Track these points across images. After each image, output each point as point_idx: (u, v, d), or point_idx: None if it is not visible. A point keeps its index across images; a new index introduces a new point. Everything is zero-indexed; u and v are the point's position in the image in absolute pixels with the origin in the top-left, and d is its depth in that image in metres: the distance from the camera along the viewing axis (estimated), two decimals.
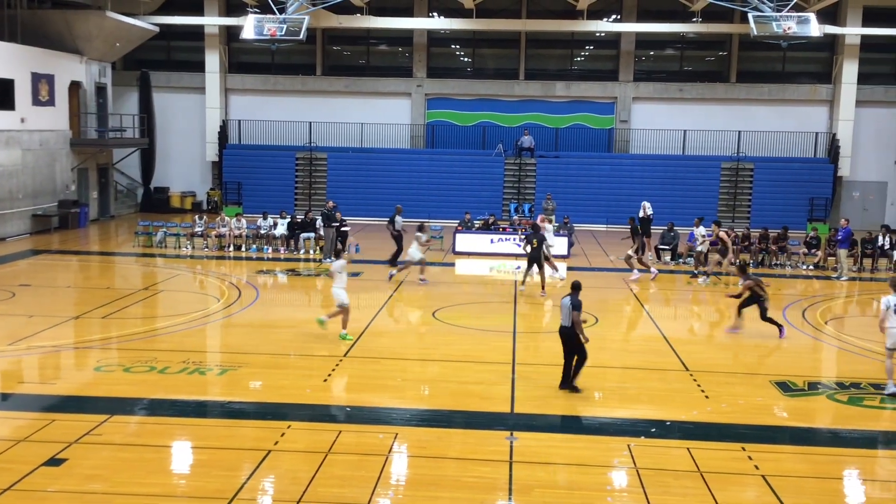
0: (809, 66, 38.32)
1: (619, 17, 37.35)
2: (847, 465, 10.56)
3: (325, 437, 10.82)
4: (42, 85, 30.48)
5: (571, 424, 11.82)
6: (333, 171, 37.22)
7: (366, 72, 39.37)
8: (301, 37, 30.99)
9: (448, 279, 24.01)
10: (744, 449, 10.78)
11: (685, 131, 37.05)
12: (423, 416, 11.98)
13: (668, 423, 11.75)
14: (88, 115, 34.28)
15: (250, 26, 31.22)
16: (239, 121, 38.54)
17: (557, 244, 25.38)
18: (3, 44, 28.91)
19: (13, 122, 29.02)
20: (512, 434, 11.15)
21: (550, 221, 25.45)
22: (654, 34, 37.72)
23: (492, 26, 36.86)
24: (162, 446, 10.61)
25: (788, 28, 28.94)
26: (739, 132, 36.53)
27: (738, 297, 17.04)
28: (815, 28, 29.27)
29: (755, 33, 29.55)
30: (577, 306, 12.77)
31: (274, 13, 31.19)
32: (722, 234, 23.23)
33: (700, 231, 24.27)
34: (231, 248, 26.98)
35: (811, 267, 25.64)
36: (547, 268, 21.32)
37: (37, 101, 30.21)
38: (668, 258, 26.53)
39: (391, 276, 22.27)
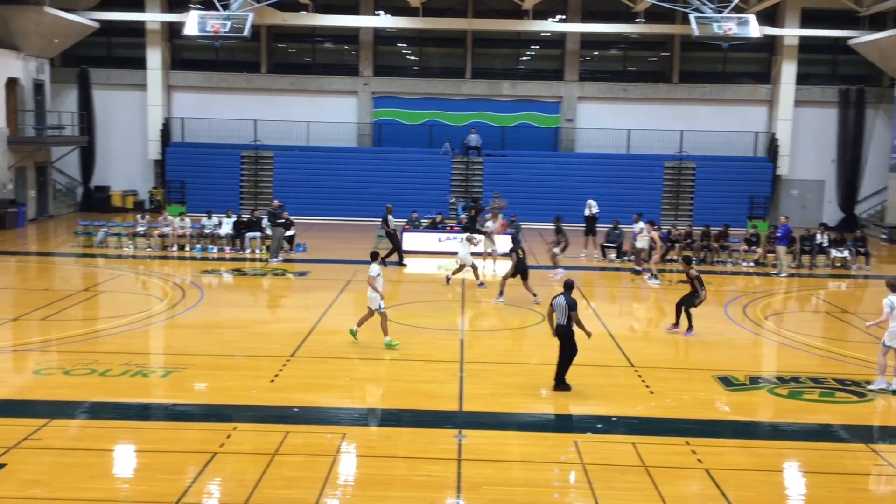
0: (749, 66, 39.12)
1: (564, 17, 37.67)
2: (787, 458, 10.81)
3: (273, 439, 10.73)
4: None
5: (519, 421, 11.89)
6: (280, 170, 36.89)
7: (312, 70, 39.10)
8: (245, 34, 30.65)
9: (396, 278, 23.97)
10: (687, 443, 10.97)
11: (629, 130, 37.53)
12: (372, 415, 11.95)
13: (613, 419, 11.90)
14: (26, 113, 33.46)
15: (193, 23, 30.78)
16: (182, 118, 37.96)
17: (504, 242, 25.48)
18: None
19: None
20: (460, 432, 11.18)
21: (497, 218, 25.50)
22: (598, 34, 38.11)
23: (438, 25, 36.90)
24: (104, 450, 10.41)
25: (729, 29, 29.50)
26: (682, 131, 37.12)
27: (685, 282, 17.16)
28: (754, 29, 29.89)
29: (696, 34, 30.06)
30: (573, 306, 12.88)
31: (217, 10, 30.80)
32: (653, 234, 23.61)
33: (640, 225, 24.52)
34: (174, 248, 26.58)
35: (752, 264, 26.17)
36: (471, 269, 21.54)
37: None
38: (613, 256, 26.85)
39: (448, 280, 21.83)
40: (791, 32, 36.21)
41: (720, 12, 29.94)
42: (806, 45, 37.01)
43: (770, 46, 37.72)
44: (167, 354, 15.46)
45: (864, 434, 11.52)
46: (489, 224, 25.02)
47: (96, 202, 37.14)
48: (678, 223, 29.71)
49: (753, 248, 26.68)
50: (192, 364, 14.00)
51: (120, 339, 15.79)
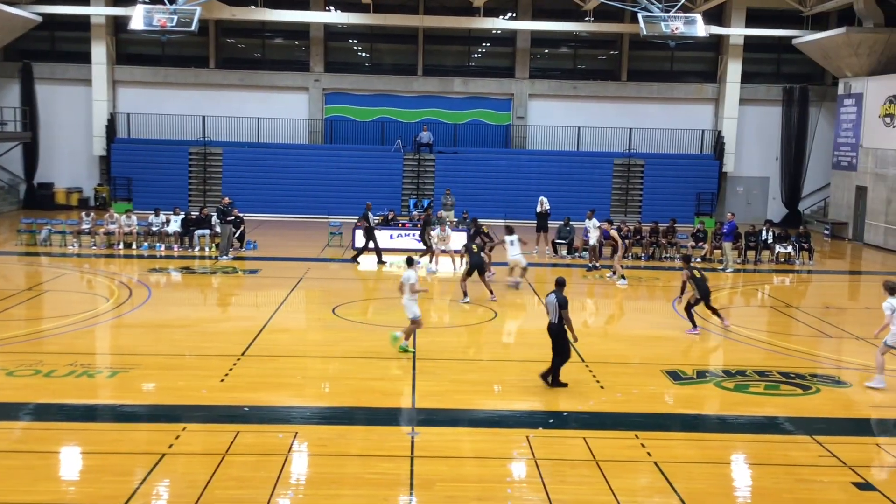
0: (696, 65, 39.73)
1: (514, 15, 37.84)
2: (734, 450, 11.02)
3: (223, 438, 10.61)
4: None
5: (472, 418, 11.92)
6: (229, 167, 36.46)
7: (261, 65, 38.71)
8: (193, 28, 30.14)
9: (348, 275, 23.89)
10: (637, 437, 11.11)
11: (579, 128, 37.85)
12: (324, 413, 11.89)
13: (565, 414, 12.01)
14: None
15: (139, 17, 30.19)
16: (128, 114, 37.28)
17: (456, 239, 25.56)
18: None
19: None
20: (413, 429, 11.18)
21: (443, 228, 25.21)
22: (548, 32, 38.36)
23: (389, 21, 36.81)
24: (49, 452, 10.20)
25: (676, 28, 29.89)
26: (631, 129, 37.55)
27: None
28: (701, 28, 30.33)
29: (644, 33, 30.40)
30: (563, 304, 12.88)
31: (164, 3, 30.29)
32: (613, 233, 23.76)
33: (593, 223, 24.70)
34: (121, 246, 26.13)
35: (698, 259, 26.54)
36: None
37: None
38: (564, 252, 27.07)
39: (517, 284, 21.26)
40: (736, 32, 36.87)
41: (667, 12, 30.33)
42: (751, 44, 37.70)
43: (716, 46, 38.35)
44: (114, 354, 15.18)
45: (808, 426, 11.78)
46: (434, 233, 24.65)
47: (40, 199, 36.30)
48: (627, 219, 30.05)
49: (700, 244, 27.09)
50: (139, 364, 13.77)
51: (65, 339, 15.48)
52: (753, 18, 36.79)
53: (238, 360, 14.24)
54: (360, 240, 25.86)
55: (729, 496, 9.61)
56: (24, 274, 22.82)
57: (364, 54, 39.95)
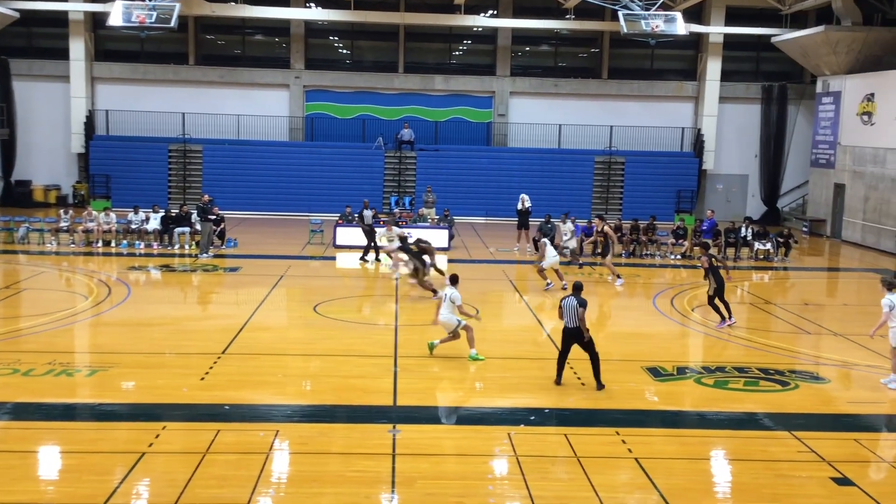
0: (676, 63, 39.91)
1: (495, 12, 37.86)
2: (714, 446, 11.09)
3: (203, 437, 10.56)
4: None
5: (453, 415, 11.93)
6: (209, 164, 36.27)
7: (242, 62, 38.50)
8: (172, 24, 29.95)
9: (329, 273, 23.84)
10: (618, 433, 11.17)
11: (560, 126, 37.92)
12: (305, 411, 11.85)
13: (546, 411, 12.04)
14: None
15: (118, 13, 29.95)
16: (107, 111, 36.99)
17: (438, 237, 25.58)
18: None
19: None
20: (395, 427, 11.17)
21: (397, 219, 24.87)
22: (529, 30, 38.40)
23: (370, 18, 36.72)
24: (28, 452, 10.12)
25: (656, 26, 30.02)
26: (611, 127, 37.67)
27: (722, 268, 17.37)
28: (681, 27, 30.48)
29: (625, 31, 30.52)
30: (584, 305, 12.89)
31: None
32: (606, 229, 23.07)
33: (568, 227, 24.41)
34: (100, 244, 25.93)
35: (678, 256, 26.73)
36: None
37: None
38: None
39: (550, 286, 20.90)
40: (716, 30, 37.08)
41: (648, 10, 30.46)
42: (730, 42, 37.91)
43: (696, 44, 38.54)
44: (93, 353, 15.06)
45: (787, 422, 11.88)
46: (385, 242, 24.34)
47: (17, 197, 35.96)
48: (608, 217, 30.13)
49: (680, 241, 27.23)
50: (119, 363, 13.68)
51: (43, 337, 15.34)
52: (733, 17, 37.02)
53: (218, 358, 14.18)
54: (362, 239, 25.54)
55: (709, 492, 9.68)
56: (2, 272, 22.58)
57: (345, 51, 39.85)
